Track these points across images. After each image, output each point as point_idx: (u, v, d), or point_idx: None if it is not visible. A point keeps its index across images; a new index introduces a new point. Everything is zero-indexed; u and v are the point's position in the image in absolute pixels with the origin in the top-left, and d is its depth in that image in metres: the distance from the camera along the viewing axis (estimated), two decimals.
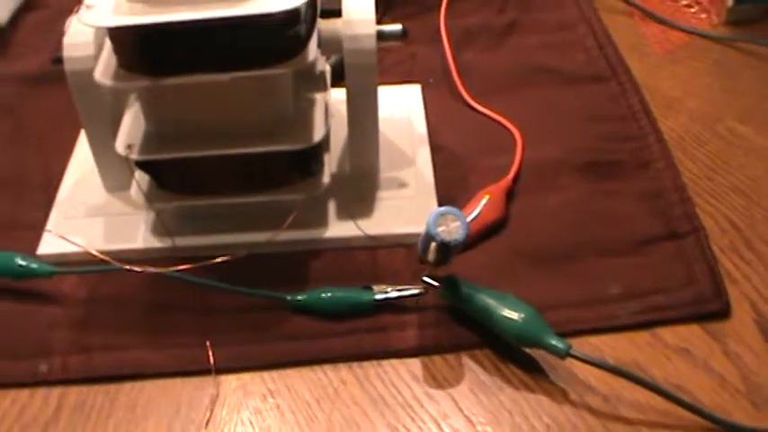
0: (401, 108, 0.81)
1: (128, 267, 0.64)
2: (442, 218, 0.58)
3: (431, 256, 0.60)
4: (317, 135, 0.65)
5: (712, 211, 0.72)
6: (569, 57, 0.88)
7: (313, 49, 0.63)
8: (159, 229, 0.70)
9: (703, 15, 0.95)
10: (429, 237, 0.59)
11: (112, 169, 0.72)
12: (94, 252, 0.67)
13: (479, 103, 0.83)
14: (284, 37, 0.61)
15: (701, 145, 0.79)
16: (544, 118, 0.81)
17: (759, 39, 0.90)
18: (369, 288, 0.65)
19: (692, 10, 0.96)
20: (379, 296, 0.64)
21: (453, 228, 0.58)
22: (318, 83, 0.70)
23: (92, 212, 0.73)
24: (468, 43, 0.91)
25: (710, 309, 0.65)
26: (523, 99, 0.84)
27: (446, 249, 0.59)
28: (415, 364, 0.62)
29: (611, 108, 0.82)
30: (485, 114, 0.82)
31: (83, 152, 0.78)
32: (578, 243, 0.69)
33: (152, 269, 0.63)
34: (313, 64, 0.63)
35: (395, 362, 0.63)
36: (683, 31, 0.93)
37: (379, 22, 0.66)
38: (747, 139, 0.80)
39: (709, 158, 0.78)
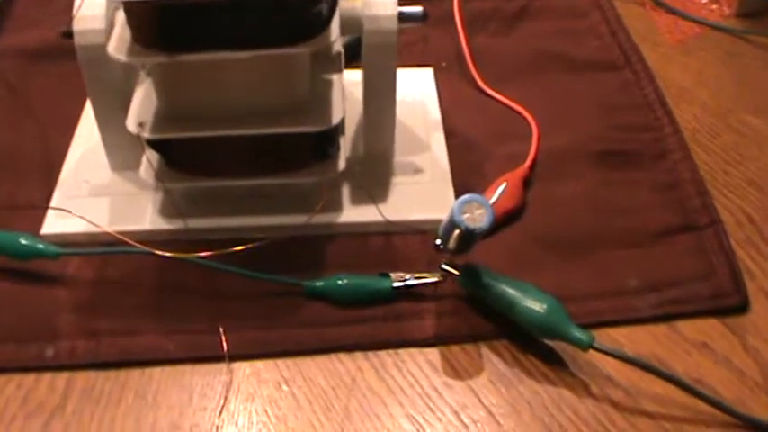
0: (414, 92, 0.80)
1: (148, 250, 0.62)
2: (466, 205, 0.57)
3: (452, 243, 0.59)
4: (336, 117, 0.63)
5: (728, 204, 0.72)
6: (582, 43, 0.87)
7: (335, 30, 0.61)
8: (167, 210, 0.69)
9: (714, 6, 0.94)
10: (453, 224, 0.57)
11: (120, 147, 0.70)
12: (110, 231, 0.65)
13: (492, 89, 0.81)
14: (306, 16, 0.59)
15: (715, 137, 0.78)
16: (558, 105, 0.80)
17: None
18: (386, 275, 0.63)
19: (704, 0, 0.95)
20: (396, 284, 0.63)
21: (478, 215, 0.57)
22: (335, 64, 0.68)
23: (96, 192, 0.71)
24: (479, 27, 0.89)
25: (729, 303, 0.64)
26: (536, 85, 0.82)
27: (470, 237, 0.58)
28: (432, 353, 0.61)
29: (626, 97, 0.81)
30: (498, 100, 0.80)
31: (86, 129, 0.76)
32: (596, 233, 0.68)
33: (170, 254, 0.61)
34: (333, 45, 0.61)
35: (412, 351, 0.61)
36: (694, 21, 0.92)
37: None
38: (760, 132, 0.79)
39: (724, 151, 0.77)
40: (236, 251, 0.62)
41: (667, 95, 0.81)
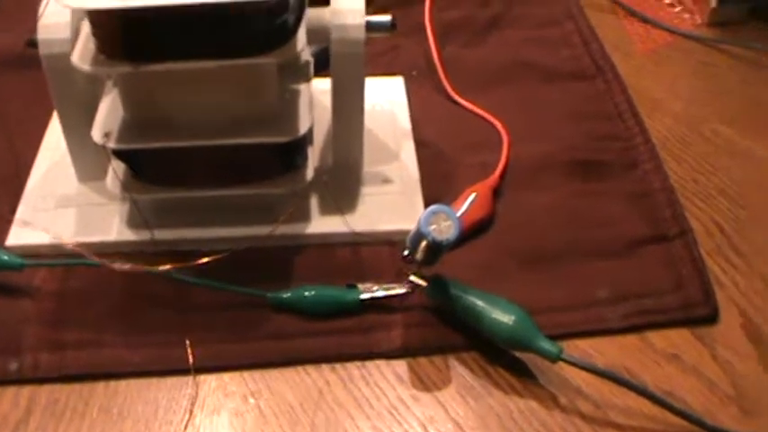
0: (384, 101, 0.79)
1: (98, 262, 0.61)
2: (433, 216, 0.56)
3: (420, 254, 0.59)
4: (303, 127, 0.63)
5: (699, 214, 0.72)
6: (554, 53, 0.87)
7: (301, 39, 0.61)
8: (134, 220, 0.68)
9: (686, 15, 0.94)
10: (420, 235, 0.57)
11: (86, 158, 0.69)
12: (70, 243, 0.64)
13: (464, 98, 0.81)
14: (272, 26, 0.59)
15: (686, 147, 0.78)
16: (529, 115, 0.80)
17: (742, 41, 0.90)
18: (354, 287, 0.63)
19: (676, 9, 0.95)
20: (364, 295, 0.62)
21: (445, 227, 0.56)
22: (303, 73, 0.67)
23: (63, 203, 0.70)
24: (451, 36, 0.89)
25: (699, 314, 0.64)
26: (508, 95, 0.82)
27: (437, 249, 0.57)
28: (400, 365, 0.61)
29: (597, 107, 0.81)
30: (469, 110, 0.80)
31: (53, 139, 0.76)
32: (566, 243, 0.68)
33: (127, 266, 0.60)
34: (300, 54, 0.61)
35: (380, 363, 0.61)
36: (666, 30, 0.92)
37: None
38: (732, 142, 0.79)
39: (695, 161, 0.77)
40: (201, 264, 0.61)
41: (639, 105, 0.81)
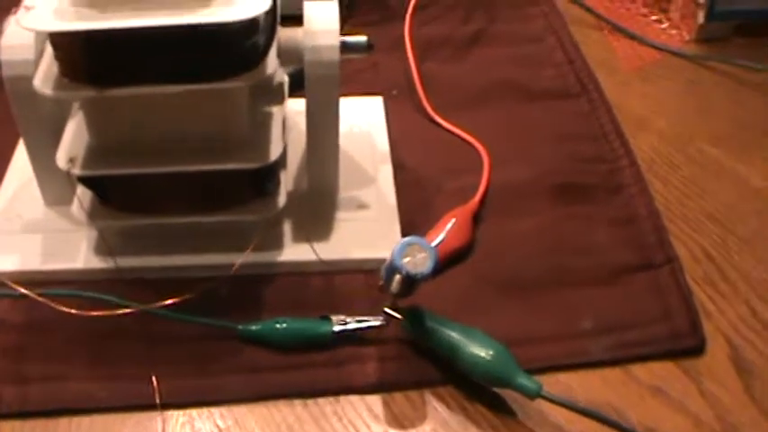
0: (362, 122, 0.77)
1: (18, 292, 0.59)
2: (408, 248, 0.54)
3: (394, 287, 0.56)
4: (274, 153, 0.61)
5: (686, 240, 0.70)
6: (537, 71, 0.85)
7: (272, 62, 0.58)
8: (101, 248, 0.66)
9: (674, 32, 0.92)
10: (393, 268, 0.55)
11: (53, 182, 0.67)
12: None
13: (444, 119, 0.79)
14: (241, 48, 0.56)
15: (673, 168, 0.76)
16: (511, 136, 0.78)
17: (730, 58, 0.88)
18: (326, 318, 0.61)
19: (663, 26, 0.93)
20: (337, 327, 0.60)
21: (420, 259, 0.54)
22: (276, 95, 0.65)
23: (29, 228, 0.68)
24: (431, 54, 0.87)
25: (686, 345, 0.62)
26: (489, 115, 0.80)
27: (411, 282, 0.55)
28: (374, 401, 0.58)
29: (582, 127, 0.79)
30: (450, 131, 0.78)
31: (21, 160, 0.73)
32: (548, 272, 0.66)
33: (65, 308, 0.58)
34: (272, 77, 0.59)
35: (353, 398, 0.59)
36: (653, 47, 0.91)
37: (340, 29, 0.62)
38: (719, 163, 0.77)
39: (682, 183, 0.75)
40: (168, 305, 0.59)
41: (624, 125, 0.79)
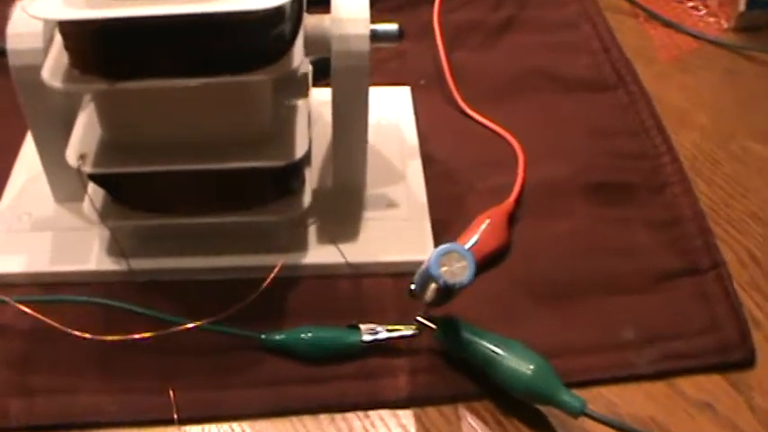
0: (389, 113, 0.73)
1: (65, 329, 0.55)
2: (445, 256, 0.50)
3: (428, 296, 0.53)
4: (300, 150, 0.57)
5: (731, 242, 0.66)
6: (571, 60, 0.81)
7: (298, 53, 0.54)
8: (114, 248, 0.62)
9: (711, 19, 0.88)
10: (429, 277, 0.51)
11: (64, 178, 0.63)
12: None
13: (475, 110, 0.75)
14: (266, 38, 0.52)
15: (716, 165, 0.72)
16: (545, 129, 0.74)
17: None
18: (355, 327, 0.57)
19: (700, 13, 0.89)
20: (367, 337, 0.56)
21: (458, 268, 0.50)
22: (300, 87, 0.62)
23: (39, 226, 0.64)
24: (460, 41, 0.83)
25: (735, 358, 0.58)
26: (522, 106, 0.76)
27: (448, 292, 0.51)
28: (406, 415, 0.55)
29: (620, 121, 0.75)
30: (482, 123, 0.74)
31: (30, 153, 0.69)
32: (587, 277, 0.62)
33: (88, 335, 0.55)
34: (297, 69, 0.55)
35: (384, 413, 0.55)
36: (690, 35, 0.86)
37: None
38: (763, 160, 0.73)
39: (725, 181, 0.71)
40: (187, 328, 0.55)
41: (663, 119, 0.75)
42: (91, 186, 0.59)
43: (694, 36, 0.86)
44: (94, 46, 0.51)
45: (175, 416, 0.54)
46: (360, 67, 0.58)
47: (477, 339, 0.55)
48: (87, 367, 0.56)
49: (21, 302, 0.56)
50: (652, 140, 0.72)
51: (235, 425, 0.54)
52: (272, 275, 0.57)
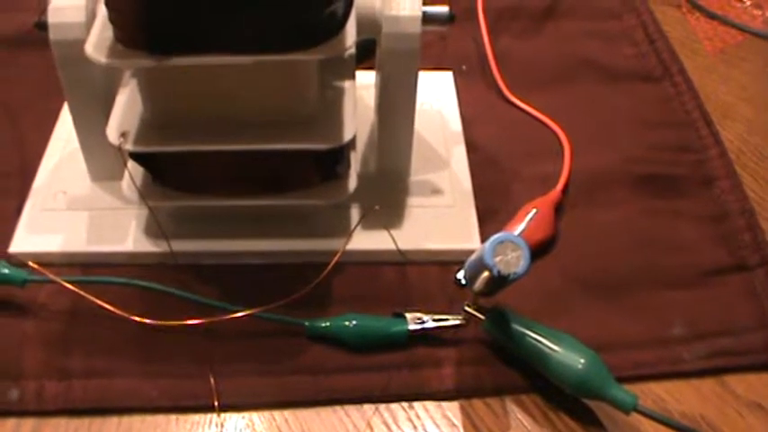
0: (432, 99, 0.72)
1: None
2: (500, 246, 0.49)
3: (478, 285, 0.51)
4: (348, 133, 0.55)
5: None
6: (616, 49, 0.79)
7: (351, 32, 0.53)
8: (152, 229, 0.61)
9: (757, 12, 0.86)
10: (483, 265, 0.49)
11: (101, 156, 0.62)
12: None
13: (518, 98, 0.73)
14: (319, 15, 0.51)
15: (762, 160, 0.71)
16: (591, 119, 0.72)
17: None
18: (401, 316, 0.56)
19: (746, 4, 0.87)
20: (413, 326, 0.55)
21: (513, 258, 0.49)
22: (347, 68, 0.60)
23: (74, 205, 0.63)
24: (502, 26, 0.81)
25: None
26: (565, 95, 0.74)
27: (501, 282, 0.50)
28: (452, 407, 0.54)
29: (666, 113, 0.73)
30: (525, 111, 0.72)
31: (65, 130, 0.68)
32: (635, 270, 0.61)
33: (149, 321, 0.54)
34: (349, 49, 0.53)
35: (429, 404, 0.54)
36: (735, 27, 0.84)
37: None
38: None
39: None
40: (234, 317, 0.54)
41: (710, 112, 0.73)
42: (130, 165, 0.58)
43: (739, 28, 0.84)
44: (141, 19, 0.50)
45: (216, 402, 0.53)
46: (410, 49, 0.57)
47: (526, 331, 0.53)
48: (126, 350, 0.55)
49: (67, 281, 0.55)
50: (698, 133, 0.71)
51: (276, 413, 0.53)
52: (334, 261, 0.56)
